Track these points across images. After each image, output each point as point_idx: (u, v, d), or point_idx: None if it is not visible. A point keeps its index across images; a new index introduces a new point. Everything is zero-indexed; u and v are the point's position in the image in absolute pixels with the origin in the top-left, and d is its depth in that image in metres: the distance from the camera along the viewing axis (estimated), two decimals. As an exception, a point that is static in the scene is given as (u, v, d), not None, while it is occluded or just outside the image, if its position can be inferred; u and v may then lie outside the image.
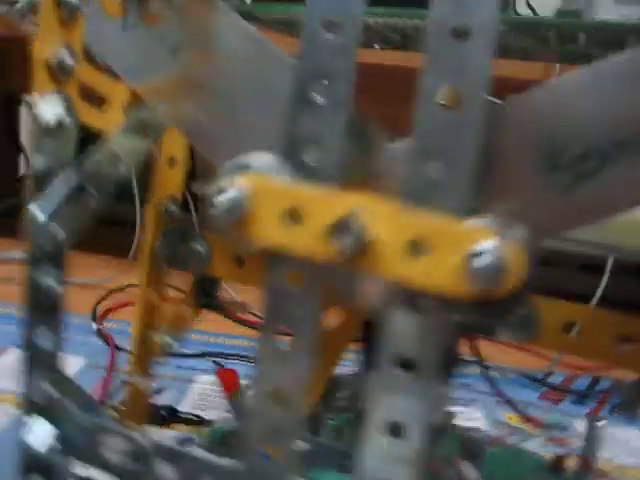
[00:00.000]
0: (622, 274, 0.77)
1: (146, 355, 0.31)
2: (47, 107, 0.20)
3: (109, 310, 0.63)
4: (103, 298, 0.64)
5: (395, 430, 0.17)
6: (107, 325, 0.59)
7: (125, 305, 0.64)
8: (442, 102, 0.17)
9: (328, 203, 0.17)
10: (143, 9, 0.22)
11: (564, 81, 0.18)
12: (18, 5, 0.21)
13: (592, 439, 0.35)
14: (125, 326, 0.60)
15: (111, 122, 0.24)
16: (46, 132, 0.20)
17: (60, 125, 0.21)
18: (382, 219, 0.16)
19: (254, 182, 0.17)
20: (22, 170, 0.98)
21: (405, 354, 0.17)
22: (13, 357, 0.52)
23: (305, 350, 0.18)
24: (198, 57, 0.21)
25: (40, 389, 0.23)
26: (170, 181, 0.29)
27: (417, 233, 0.16)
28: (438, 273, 0.16)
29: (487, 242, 0.15)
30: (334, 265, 0.17)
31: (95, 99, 0.24)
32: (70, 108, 0.21)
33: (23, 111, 0.30)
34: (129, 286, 0.65)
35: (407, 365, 0.17)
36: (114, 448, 0.22)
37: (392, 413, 0.18)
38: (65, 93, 0.21)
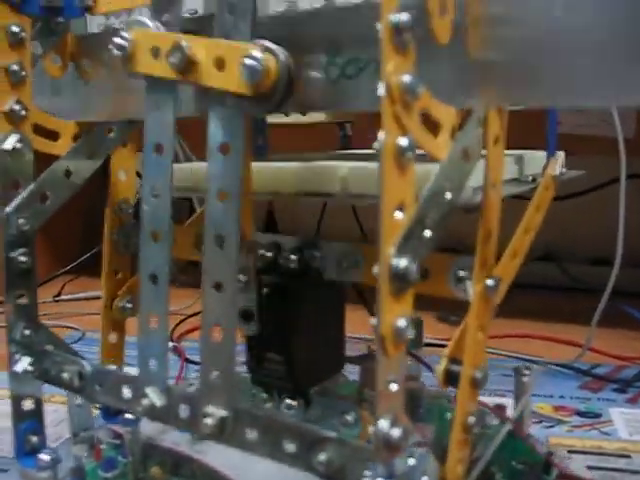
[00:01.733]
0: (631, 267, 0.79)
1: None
2: (6, 140, 0.30)
3: (187, 332, 0.76)
4: (181, 321, 0.78)
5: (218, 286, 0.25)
6: (184, 344, 0.71)
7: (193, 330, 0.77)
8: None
9: (167, 40, 0.25)
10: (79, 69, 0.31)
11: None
12: None
13: (520, 390, 0.38)
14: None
15: (64, 149, 0.34)
16: (5, 156, 0.30)
17: (15, 151, 0.30)
18: (199, 46, 0.25)
19: (136, 32, 0.26)
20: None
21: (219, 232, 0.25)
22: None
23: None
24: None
25: (22, 333, 0.32)
26: (122, 188, 0.37)
27: (218, 53, 0.24)
28: (231, 78, 0.24)
29: (252, 52, 0.23)
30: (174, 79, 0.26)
31: (51, 133, 0.34)
32: (23, 140, 0.31)
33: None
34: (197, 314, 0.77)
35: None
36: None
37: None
38: (19, 130, 0.31)
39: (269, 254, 0.31)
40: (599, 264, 1.13)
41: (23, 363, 0.31)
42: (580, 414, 0.66)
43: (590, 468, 0.54)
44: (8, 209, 0.30)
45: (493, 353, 0.80)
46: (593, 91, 0.21)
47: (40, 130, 0.32)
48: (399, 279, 0.19)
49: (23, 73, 0.30)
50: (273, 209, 0.92)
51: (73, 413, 0.37)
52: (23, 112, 0.30)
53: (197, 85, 0.25)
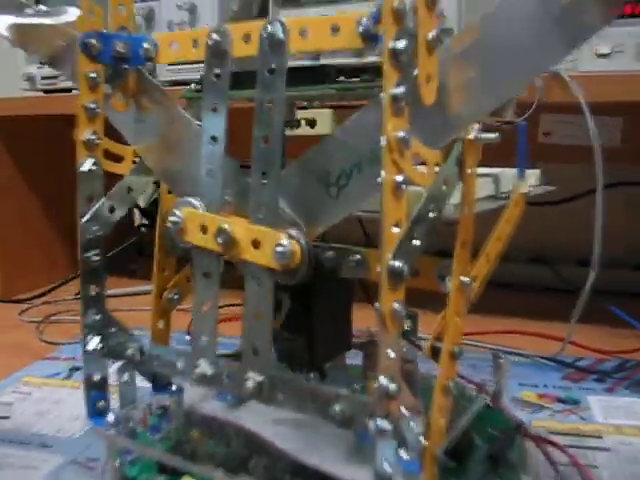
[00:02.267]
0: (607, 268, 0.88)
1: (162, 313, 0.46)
2: (84, 164, 0.39)
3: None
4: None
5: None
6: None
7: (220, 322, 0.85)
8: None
9: (214, 221, 0.34)
10: (138, 106, 0.40)
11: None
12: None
13: (497, 370, 0.45)
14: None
15: (126, 169, 0.42)
16: (83, 176, 0.39)
17: (91, 172, 0.39)
18: (239, 229, 0.33)
19: (186, 212, 0.35)
20: (136, 219, 1.27)
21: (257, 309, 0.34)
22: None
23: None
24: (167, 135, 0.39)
25: (93, 318, 0.40)
26: (170, 201, 0.44)
27: (254, 236, 0.33)
28: (265, 257, 0.32)
29: (282, 241, 0.32)
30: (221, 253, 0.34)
31: (117, 157, 0.43)
32: (96, 163, 0.39)
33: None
34: (224, 306, 0.83)
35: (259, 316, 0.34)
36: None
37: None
38: (94, 155, 0.39)
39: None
40: (587, 266, 1.20)
41: (93, 343, 0.39)
42: (561, 401, 0.74)
43: (567, 446, 0.62)
44: (85, 219, 0.39)
45: (485, 347, 0.89)
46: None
47: (108, 154, 0.40)
48: (395, 276, 0.27)
49: (97, 110, 0.38)
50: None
51: (122, 390, 0.45)
52: (97, 141, 0.39)
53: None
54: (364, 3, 0.92)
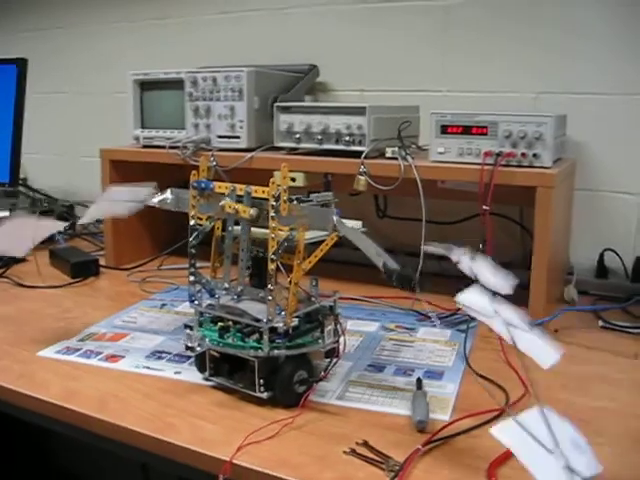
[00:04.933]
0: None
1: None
2: (192, 221, 1.34)
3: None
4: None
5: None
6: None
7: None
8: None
9: (232, 205, 1.33)
10: (209, 201, 1.34)
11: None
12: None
13: (332, 297, 1.37)
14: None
15: (206, 223, 1.38)
16: (191, 228, 1.36)
17: (193, 225, 1.36)
18: (240, 206, 1.31)
19: (226, 203, 1.34)
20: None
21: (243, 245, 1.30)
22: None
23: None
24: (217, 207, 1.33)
25: (192, 270, 1.36)
26: (218, 229, 1.37)
27: (245, 209, 1.30)
28: (248, 214, 1.31)
29: (252, 211, 1.32)
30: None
31: (201, 219, 1.36)
32: (195, 222, 1.38)
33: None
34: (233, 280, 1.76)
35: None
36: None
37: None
38: (194, 219, 1.37)
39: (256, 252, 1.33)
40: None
41: (192, 278, 1.32)
42: (405, 328, 1.66)
43: (394, 345, 1.56)
44: (191, 239, 1.32)
45: (375, 302, 1.78)
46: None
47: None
48: (272, 260, 1.20)
49: (195, 206, 1.33)
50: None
51: (199, 295, 1.40)
52: (195, 215, 1.34)
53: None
54: (337, 117, 1.85)
